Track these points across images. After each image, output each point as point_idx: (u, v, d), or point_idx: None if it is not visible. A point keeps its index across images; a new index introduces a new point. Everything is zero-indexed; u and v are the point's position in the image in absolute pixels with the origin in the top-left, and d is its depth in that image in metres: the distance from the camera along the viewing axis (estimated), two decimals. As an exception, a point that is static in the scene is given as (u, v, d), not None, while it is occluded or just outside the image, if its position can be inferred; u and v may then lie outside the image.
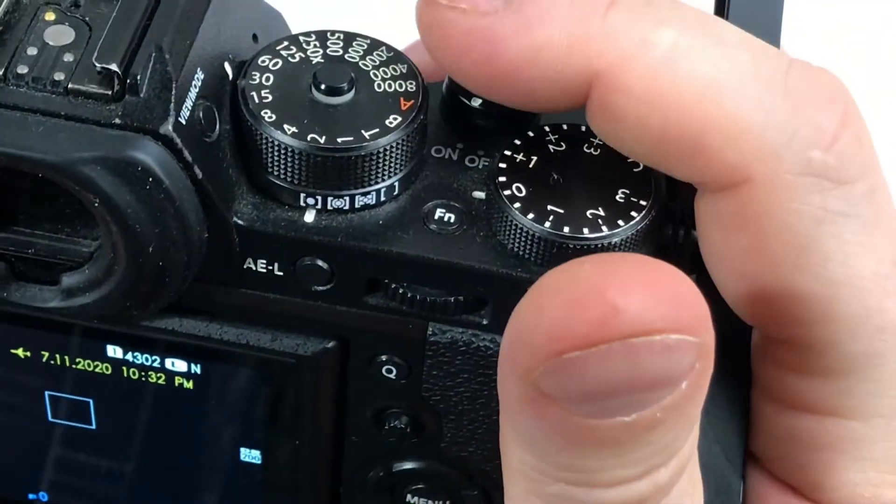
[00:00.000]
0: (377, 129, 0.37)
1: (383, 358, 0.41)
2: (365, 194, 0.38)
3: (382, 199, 0.38)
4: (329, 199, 0.38)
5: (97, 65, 0.35)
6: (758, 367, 0.40)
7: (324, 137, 0.37)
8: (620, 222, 0.37)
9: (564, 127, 0.39)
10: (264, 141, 0.37)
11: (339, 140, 0.37)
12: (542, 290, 0.30)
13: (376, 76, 0.38)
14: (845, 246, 0.35)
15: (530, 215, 0.37)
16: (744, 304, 0.37)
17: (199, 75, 0.37)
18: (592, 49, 0.34)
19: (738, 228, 0.36)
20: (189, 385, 0.42)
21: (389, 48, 0.39)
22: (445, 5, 0.35)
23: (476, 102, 0.40)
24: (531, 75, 0.35)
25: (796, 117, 0.34)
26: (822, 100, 0.35)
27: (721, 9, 0.39)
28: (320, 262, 0.38)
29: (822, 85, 0.35)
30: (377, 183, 0.38)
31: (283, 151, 0.37)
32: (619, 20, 0.34)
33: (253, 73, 0.38)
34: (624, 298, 0.29)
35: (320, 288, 0.39)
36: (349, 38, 0.39)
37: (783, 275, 0.36)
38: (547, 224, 0.37)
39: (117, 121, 0.35)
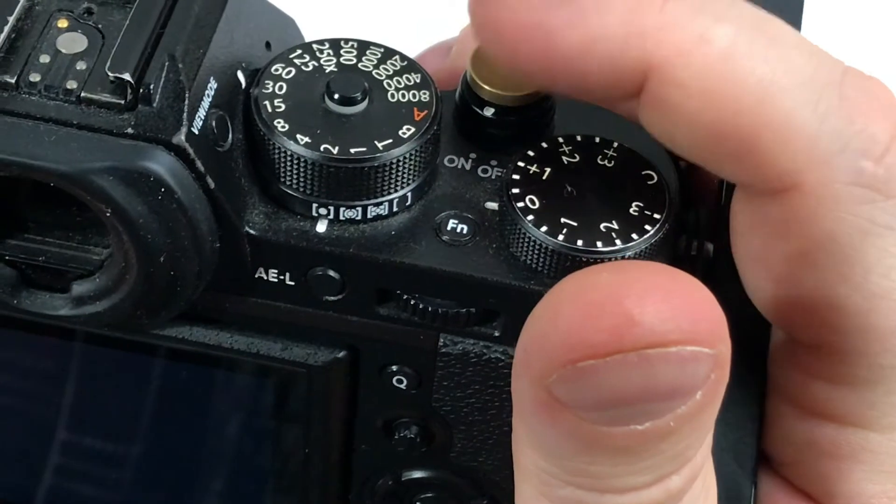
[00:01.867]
0: (390, 140, 0.37)
1: (394, 368, 0.41)
2: (377, 205, 0.38)
3: (395, 209, 0.38)
4: (341, 209, 0.38)
5: (110, 74, 0.35)
6: (779, 372, 0.39)
7: (337, 148, 0.37)
8: (634, 236, 0.37)
9: (578, 138, 0.39)
10: (277, 151, 0.37)
11: (352, 150, 0.37)
12: (559, 297, 0.30)
13: (390, 86, 0.38)
14: (889, 259, 0.35)
15: (543, 228, 0.37)
16: (777, 307, 0.37)
17: (212, 84, 0.36)
18: (649, 42, 0.34)
19: (781, 233, 0.35)
20: (199, 394, 0.42)
21: (403, 57, 0.39)
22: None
23: (489, 112, 0.39)
24: (586, 67, 0.34)
25: (850, 126, 0.34)
26: (875, 110, 0.34)
27: None
28: (332, 273, 0.38)
29: (875, 94, 0.35)
30: (390, 193, 0.38)
31: (295, 161, 0.37)
32: (677, 13, 0.34)
33: (266, 81, 0.38)
34: (640, 308, 0.29)
35: (332, 298, 0.39)
36: (363, 47, 0.39)
37: (823, 283, 0.36)
38: (560, 237, 0.37)
39: (130, 130, 0.35)
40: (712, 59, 0.34)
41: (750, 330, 0.38)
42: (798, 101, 0.34)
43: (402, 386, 0.41)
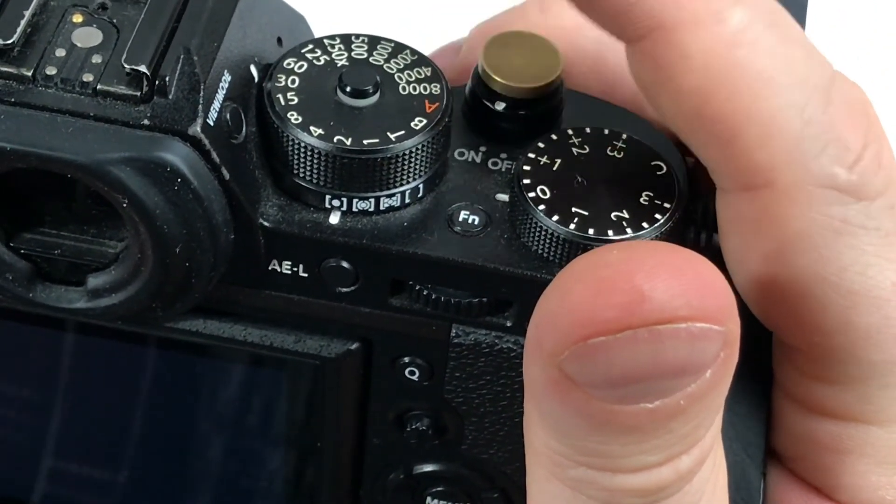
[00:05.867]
0: (402, 132, 0.37)
1: (406, 360, 0.41)
2: (390, 196, 0.38)
3: (407, 201, 0.38)
4: (354, 200, 0.38)
5: (126, 66, 0.35)
6: (778, 370, 0.40)
7: (350, 139, 0.37)
8: (645, 224, 0.37)
9: (587, 130, 0.39)
10: (290, 143, 0.37)
11: (365, 142, 0.37)
12: (570, 275, 0.31)
13: (401, 79, 0.39)
14: (864, 257, 0.36)
15: (555, 217, 0.37)
16: (762, 309, 0.38)
17: (227, 77, 0.37)
18: (671, 1, 0.34)
19: (756, 232, 0.36)
20: (211, 386, 0.42)
21: (413, 51, 0.39)
22: None
23: (499, 106, 0.40)
24: None
25: (828, 132, 0.35)
26: (851, 118, 0.35)
27: None
28: (345, 264, 0.38)
29: (854, 102, 0.35)
30: (402, 185, 0.38)
31: (309, 153, 0.37)
32: None
33: (278, 75, 0.38)
34: (650, 285, 0.29)
35: (345, 289, 0.39)
36: (373, 42, 0.39)
37: (800, 283, 0.36)
38: (571, 226, 0.37)
39: (146, 122, 0.35)
40: (722, 40, 0.34)
41: (755, 322, 0.38)
42: (789, 101, 0.34)
43: (415, 378, 0.41)
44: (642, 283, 0.30)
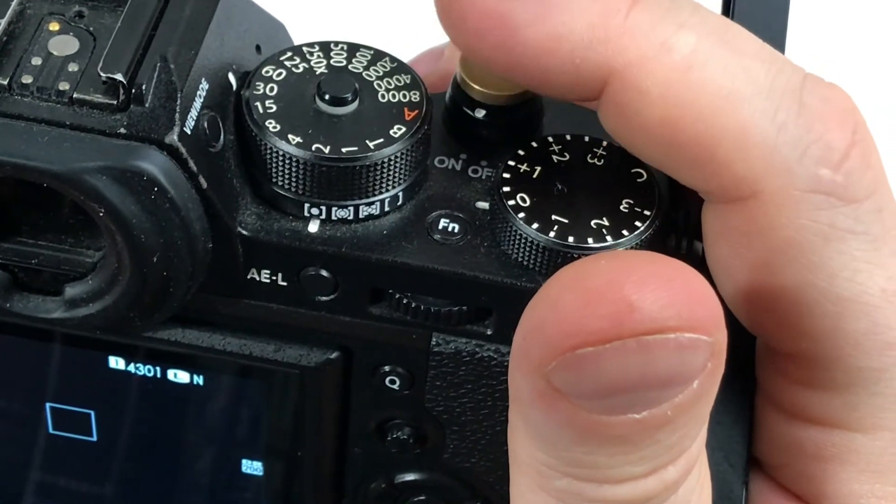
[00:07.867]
0: (381, 139, 0.37)
1: (387, 368, 0.41)
2: (369, 204, 0.38)
3: (386, 209, 0.38)
4: (333, 209, 0.38)
5: (102, 75, 0.35)
6: (762, 376, 0.40)
7: (328, 147, 0.37)
8: (625, 232, 0.37)
9: (568, 137, 0.39)
10: (269, 151, 0.37)
11: (344, 150, 0.37)
12: (558, 285, 0.30)
13: (380, 86, 0.38)
14: (853, 263, 0.35)
15: (535, 225, 0.37)
16: (749, 315, 0.37)
17: (204, 85, 0.37)
18: (612, 46, 0.34)
19: (744, 242, 0.36)
20: (191, 396, 0.42)
21: (393, 59, 0.39)
22: None
23: (479, 114, 0.40)
24: (548, 64, 0.34)
25: (808, 134, 0.34)
26: (833, 117, 0.35)
27: (727, 12, 0.39)
28: (324, 273, 0.38)
29: (833, 102, 0.35)
30: (381, 193, 0.38)
31: (287, 161, 0.37)
32: (642, 20, 0.34)
33: (257, 83, 0.38)
34: (639, 295, 0.29)
35: (324, 298, 0.39)
36: (353, 49, 0.39)
37: (790, 290, 0.36)
38: (551, 234, 0.37)
39: (122, 130, 0.35)
40: (673, 68, 0.34)
41: (738, 330, 0.38)
42: (756, 110, 0.34)
43: (395, 386, 0.41)
44: (631, 293, 0.29)
